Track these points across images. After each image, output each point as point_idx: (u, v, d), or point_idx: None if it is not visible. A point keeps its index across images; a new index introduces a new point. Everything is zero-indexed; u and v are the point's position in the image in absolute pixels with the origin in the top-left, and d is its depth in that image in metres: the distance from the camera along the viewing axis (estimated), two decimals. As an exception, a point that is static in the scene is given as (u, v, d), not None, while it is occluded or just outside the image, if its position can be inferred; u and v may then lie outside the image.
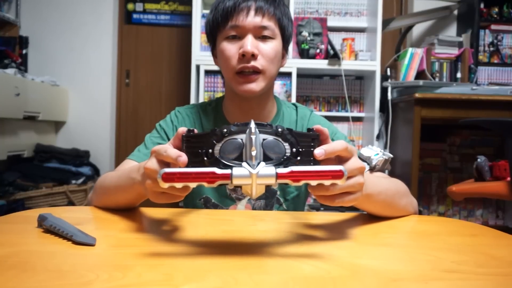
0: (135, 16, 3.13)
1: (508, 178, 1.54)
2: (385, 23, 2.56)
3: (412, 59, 2.50)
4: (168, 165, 0.51)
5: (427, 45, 2.64)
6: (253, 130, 0.47)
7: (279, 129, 0.49)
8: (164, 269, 0.45)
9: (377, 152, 0.78)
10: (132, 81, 3.14)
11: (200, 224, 0.68)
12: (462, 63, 2.59)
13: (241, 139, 0.48)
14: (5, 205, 2.13)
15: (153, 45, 3.14)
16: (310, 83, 2.72)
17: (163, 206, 0.67)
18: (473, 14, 2.67)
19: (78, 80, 2.94)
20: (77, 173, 2.58)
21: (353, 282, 0.43)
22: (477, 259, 0.51)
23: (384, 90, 2.43)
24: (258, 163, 0.46)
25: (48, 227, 0.56)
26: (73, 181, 2.52)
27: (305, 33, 2.52)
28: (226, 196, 0.90)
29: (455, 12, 2.84)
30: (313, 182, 0.46)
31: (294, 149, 0.49)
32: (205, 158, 0.49)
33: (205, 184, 0.45)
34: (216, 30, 0.86)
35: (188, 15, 2.99)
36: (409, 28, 2.76)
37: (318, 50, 2.50)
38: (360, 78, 2.72)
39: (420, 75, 2.52)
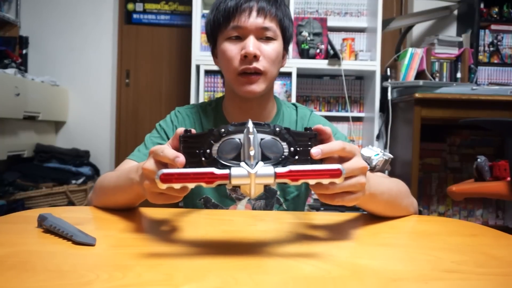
0: (135, 16, 3.13)
1: (508, 178, 1.54)
2: (385, 23, 2.56)
3: (412, 59, 2.50)
4: (166, 165, 0.51)
5: (427, 45, 2.64)
6: (251, 130, 0.46)
7: (277, 129, 0.49)
8: (164, 269, 0.45)
9: (377, 153, 0.78)
10: (132, 81, 3.14)
11: (200, 224, 0.68)
12: (462, 63, 2.59)
13: (239, 139, 0.48)
14: (5, 205, 2.13)
15: (153, 45, 3.14)
16: (310, 83, 2.72)
17: (163, 206, 0.67)
18: (473, 14, 2.67)
19: (78, 80, 2.94)
20: (77, 173, 2.58)
21: (353, 282, 0.43)
22: (477, 259, 0.51)
23: (384, 90, 2.43)
24: (256, 163, 0.45)
25: (48, 227, 0.56)
26: (73, 181, 2.52)
27: (305, 33, 2.52)
28: (226, 196, 0.90)
29: (455, 12, 2.84)
30: (312, 181, 0.46)
31: (292, 149, 0.49)
32: (203, 159, 0.48)
33: (203, 184, 0.44)
34: (217, 30, 0.85)
35: (188, 15, 2.99)
36: (409, 28, 2.76)
37: (318, 50, 2.50)
38: (360, 78, 2.71)
39: (420, 75, 2.52)
